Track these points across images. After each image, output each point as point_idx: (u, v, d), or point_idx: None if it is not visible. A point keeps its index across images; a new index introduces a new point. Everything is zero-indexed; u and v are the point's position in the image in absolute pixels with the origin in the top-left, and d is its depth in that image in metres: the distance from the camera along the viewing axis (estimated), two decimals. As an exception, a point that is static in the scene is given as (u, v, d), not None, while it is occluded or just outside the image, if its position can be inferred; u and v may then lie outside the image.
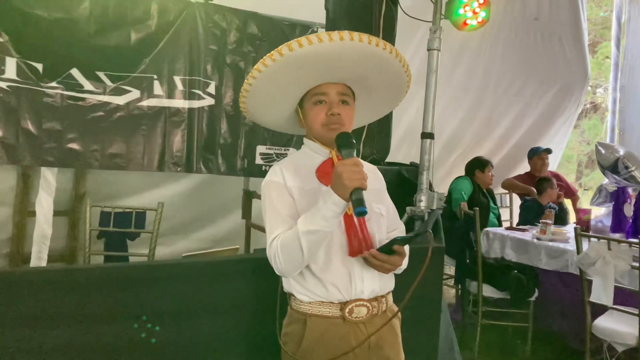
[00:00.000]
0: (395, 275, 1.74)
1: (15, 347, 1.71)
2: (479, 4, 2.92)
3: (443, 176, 5.82)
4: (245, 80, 1.61)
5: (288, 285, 1.65)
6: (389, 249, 1.54)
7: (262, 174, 3.96)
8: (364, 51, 1.53)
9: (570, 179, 8.98)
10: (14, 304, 1.71)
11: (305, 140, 1.72)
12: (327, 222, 1.43)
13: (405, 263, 1.69)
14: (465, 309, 4.19)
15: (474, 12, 2.84)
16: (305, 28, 4.23)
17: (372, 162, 3.27)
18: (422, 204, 2.80)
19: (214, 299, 1.98)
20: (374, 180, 1.73)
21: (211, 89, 4.00)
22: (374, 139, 3.28)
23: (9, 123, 3.42)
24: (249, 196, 4.25)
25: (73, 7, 3.47)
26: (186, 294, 1.92)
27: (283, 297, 1.72)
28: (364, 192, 1.39)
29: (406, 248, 1.67)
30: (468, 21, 2.87)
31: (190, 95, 3.93)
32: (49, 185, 3.84)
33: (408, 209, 2.82)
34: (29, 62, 3.44)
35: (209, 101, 3.99)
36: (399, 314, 1.71)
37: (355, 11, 3.23)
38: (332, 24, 3.33)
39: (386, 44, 1.56)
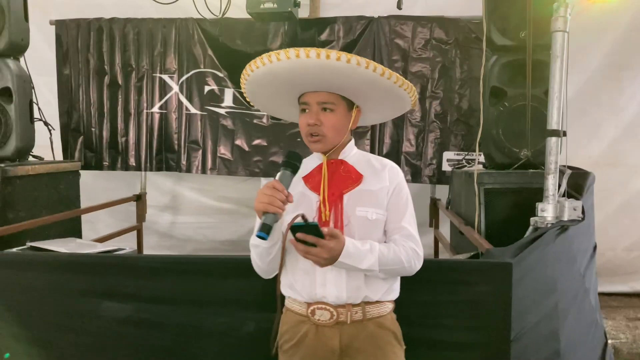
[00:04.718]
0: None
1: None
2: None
3: None
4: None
5: None
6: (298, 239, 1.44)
7: (449, 180, 3.84)
8: (321, 65, 1.49)
9: None
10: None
11: None
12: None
13: (369, 262, 1.49)
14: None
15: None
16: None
17: (525, 165, 2.90)
18: (547, 214, 2.34)
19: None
20: (373, 180, 1.63)
21: (394, 99, 4.11)
22: (529, 139, 2.89)
23: (226, 142, 4.26)
24: (436, 204, 4.12)
25: (268, 41, 4.13)
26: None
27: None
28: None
29: (374, 246, 1.52)
30: (596, -10, 2.27)
31: (373, 107, 4.11)
32: (263, 192, 4.58)
33: (532, 219, 2.41)
34: (241, 90, 4.19)
35: (391, 111, 4.08)
36: (396, 327, 1.64)
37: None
38: (485, 18, 3.10)
39: (352, 57, 1.47)
